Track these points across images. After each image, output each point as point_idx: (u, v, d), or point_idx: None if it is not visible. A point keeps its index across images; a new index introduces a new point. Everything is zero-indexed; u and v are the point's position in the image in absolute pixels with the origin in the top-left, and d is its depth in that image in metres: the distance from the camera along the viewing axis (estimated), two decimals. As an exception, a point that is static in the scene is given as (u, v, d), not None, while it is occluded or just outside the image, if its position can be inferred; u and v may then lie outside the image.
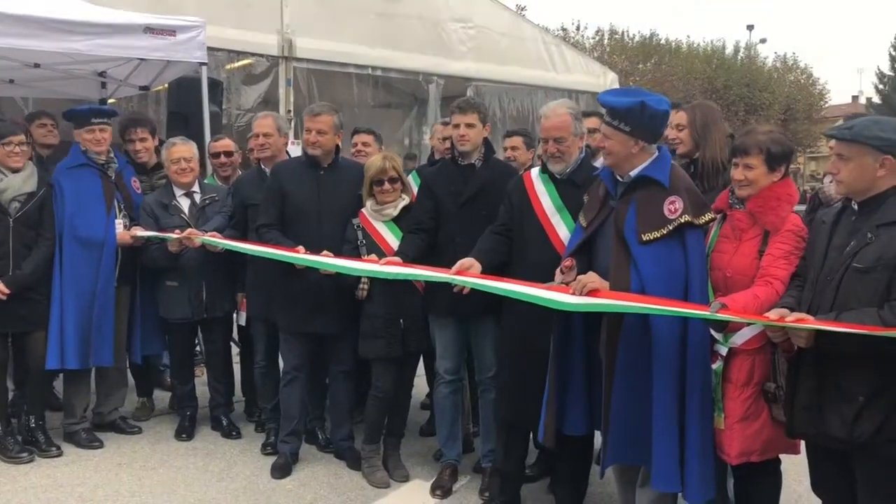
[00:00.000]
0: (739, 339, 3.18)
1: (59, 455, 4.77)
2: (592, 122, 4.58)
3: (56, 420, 5.08)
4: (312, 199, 4.48)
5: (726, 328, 3.13)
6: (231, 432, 5.18)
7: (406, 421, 4.78)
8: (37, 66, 6.12)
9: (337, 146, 4.58)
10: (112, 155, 4.99)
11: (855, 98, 49.86)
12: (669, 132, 4.03)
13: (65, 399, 5.09)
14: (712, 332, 3.22)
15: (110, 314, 4.83)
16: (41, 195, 4.63)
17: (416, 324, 4.38)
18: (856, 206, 2.91)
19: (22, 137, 4.62)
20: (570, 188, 3.81)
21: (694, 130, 3.93)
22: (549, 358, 3.55)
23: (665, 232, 3.19)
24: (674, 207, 3.20)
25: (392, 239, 4.36)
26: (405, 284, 4.27)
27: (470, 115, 4.17)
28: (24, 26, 5.17)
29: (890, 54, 47.20)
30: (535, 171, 4.00)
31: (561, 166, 3.82)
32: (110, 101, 7.23)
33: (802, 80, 32.51)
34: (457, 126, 4.19)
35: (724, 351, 3.21)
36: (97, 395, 5.23)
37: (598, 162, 4.07)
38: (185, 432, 5.16)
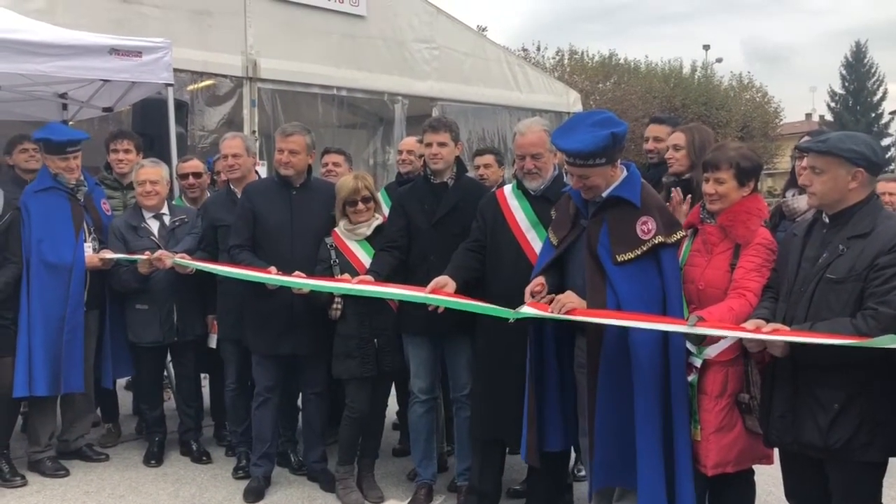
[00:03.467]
0: (713, 350, 3.22)
1: (24, 485, 4.65)
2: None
3: (20, 449, 4.95)
4: (285, 220, 4.46)
5: (703, 341, 3.17)
6: (201, 457, 5.10)
7: (380, 441, 4.75)
8: (-4, 87, 6.01)
9: (309, 166, 4.57)
10: (82, 177, 4.90)
11: (808, 116, 51.07)
12: (668, 153, 4.12)
13: (29, 427, 4.97)
14: (687, 344, 3.26)
15: (80, 339, 4.72)
16: (7, 218, 4.54)
17: (390, 343, 4.36)
18: (827, 219, 2.98)
19: None
20: (544, 204, 3.84)
21: (692, 152, 4.03)
22: (527, 375, 3.57)
23: (640, 252, 3.23)
24: (647, 228, 3.25)
25: (365, 258, 4.34)
26: (379, 303, 4.26)
27: (442, 133, 4.20)
28: (-15, 48, 5.06)
29: (841, 74, 48.66)
30: (508, 188, 4.04)
31: (537, 182, 3.87)
32: (70, 123, 7.10)
33: (758, 99, 33.18)
34: (429, 145, 4.22)
35: (698, 363, 3.26)
36: (62, 422, 5.11)
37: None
38: (154, 458, 5.05)
